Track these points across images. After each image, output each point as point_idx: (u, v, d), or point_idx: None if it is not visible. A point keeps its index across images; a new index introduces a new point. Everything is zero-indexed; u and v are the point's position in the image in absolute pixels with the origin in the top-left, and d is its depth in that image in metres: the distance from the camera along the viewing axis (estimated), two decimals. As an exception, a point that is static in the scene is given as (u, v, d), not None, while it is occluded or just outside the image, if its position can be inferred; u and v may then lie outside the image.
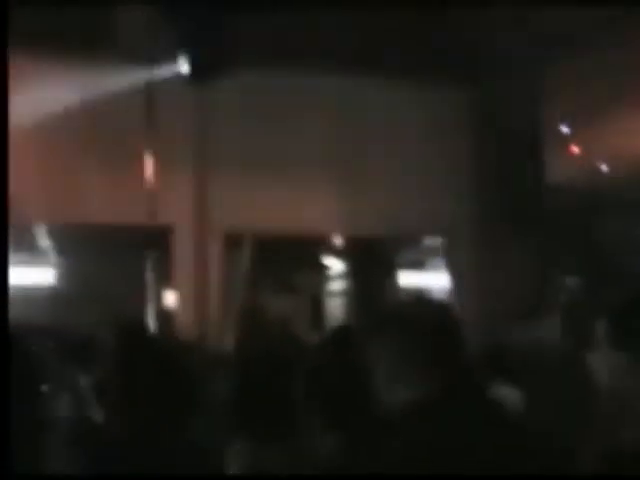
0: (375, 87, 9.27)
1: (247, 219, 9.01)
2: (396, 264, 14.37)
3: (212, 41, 7.44)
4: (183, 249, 8.99)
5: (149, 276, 8.55)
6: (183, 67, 7.42)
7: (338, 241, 13.29)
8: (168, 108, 8.31)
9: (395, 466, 2.32)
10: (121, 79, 8.53)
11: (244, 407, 4.38)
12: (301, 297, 14.86)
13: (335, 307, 14.63)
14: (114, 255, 12.29)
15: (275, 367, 4.86)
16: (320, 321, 14.72)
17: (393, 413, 2.49)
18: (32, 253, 13.69)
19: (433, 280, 13.31)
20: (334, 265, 14.42)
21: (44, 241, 12.99)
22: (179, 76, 7.48)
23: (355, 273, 13.42)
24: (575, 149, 10.85)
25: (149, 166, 8.50)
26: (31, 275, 14.77)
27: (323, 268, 14.70)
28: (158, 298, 9.04)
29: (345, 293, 13.98)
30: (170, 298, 9.66)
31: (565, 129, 10.54)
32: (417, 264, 14.91)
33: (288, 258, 13.26)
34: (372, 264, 13.09)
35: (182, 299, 9.12)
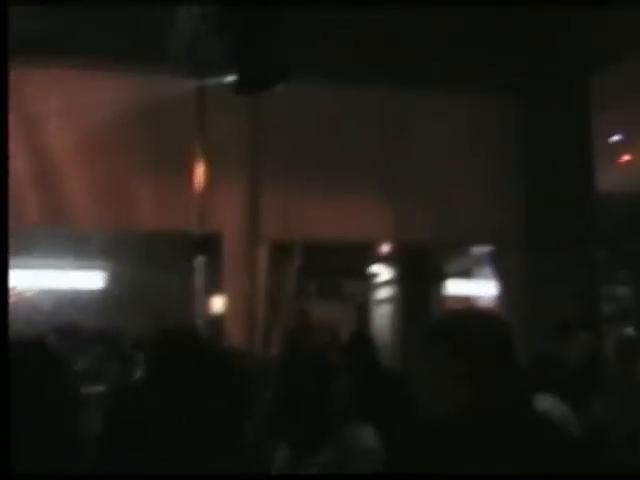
0: (423, 96, 9.25)
1: (296, 226, 9.03)
2: (444, 272, 14.33)
3: (263, 51, 7.46)
4: (232, 255, 9.03)
5: (198, 282, 8.59)
6: (234, 76, 7.44)
7: (386, 249, 13.29)
8: (219, 115, 8.35)
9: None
10: (172, 86, 8.60)
11: (290, 413, 4.39)
12: (348, 305, 14.88)
13: (382, 315, 14.61)
14: (163, 261, 12.42)
15: (321, 373, 4.87)
16: (366, 329, 14.71)
17: (439, 423, 2.47)
18: (83, 258, 13.88)
19: (481, 288, 13.26)
20: (381, 273, 14.41)
21: (94, 246, 13.14)
22: (230, 84, 7.50)
23: (402, 281, 13.39)
24: (626, 156, 10.73)
25: (199, 173, 8.55)
26: (81, 279, 14.99)
27: (370, 276, 14.70)
28: (206, 304, 9.09)
29: (392, 301, 13.95)
30: (218, 304, 9.72)
31: (615, 137, 10.43)
32: (465, 272, 14.85)
33: (336, 265, 13.29)
34: (420, 272, 13.04)
35: (230, 305, 9.16)
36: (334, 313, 13.69)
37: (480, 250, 12.66)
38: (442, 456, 2.35)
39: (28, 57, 8.30)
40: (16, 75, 8.41)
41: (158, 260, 12.60)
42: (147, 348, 3.37)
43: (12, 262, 10.26)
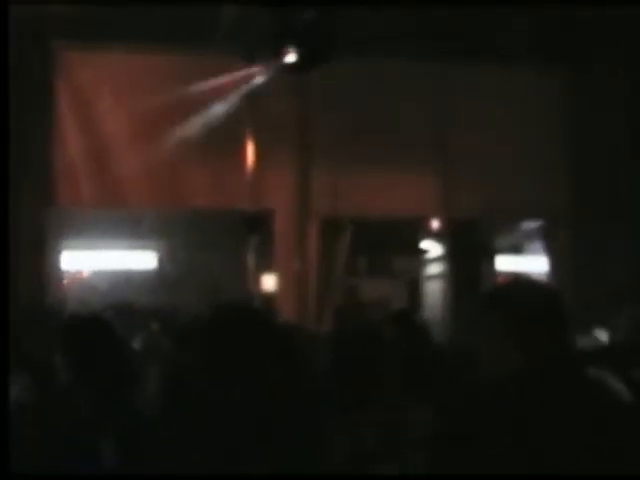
0: (473, 72, 9.22)
1: (346, 203, 9.08)
2: (494, 248, 14.27)
3: (313, 28, 7.51)
4: (283, 233, 9.12)
5: (250, 259, 8.72)
6: (285, 54, 7.51)
7: (436, 225, 13.27)
8: (269, 94, 8.43)
9: (486, 441, 2.35)
10: (223, 66, 8.69)
11: (341, 386, 4.47)
12: (398, 281, 14.90)
13: (432, 291, 14.60)
14: (216, 239, 12.54)
15: (372, 348, 4.93)
16: (417, 305, 14.73)
17: (488, 391, 2.52)
18: (137, 238, 14.06)
19: (531, 264, 13.20)
20: (432, 249, 14.40)
21: (148, 226, 13.31)
22: (280, 62, 7.57)
23: (452, 257, 13.36)
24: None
25: (250, 152, 8.65)
26: (136, 259, 15.19)
27: (421, 252, 14.68)
28: (258, 281, 9.21)
29: (442, 277, 13.94)
30: (270, 281, 9.83)
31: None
32: (515, 248, 14.79)
33: (386, 242, 13.30)
34: (470, 248, 13.01)
35: (281, 282, 9.26)
36: (384, 289, 13.72)
37: (530, 225, 12.59)
38: (493, 423, 2.39)
39: (79, 40, 8.46)
40: (68, 58, 8.63)
41: (211, 239, 12.72)
42: (203, 323, 3.44)
43: (67, 243, 10.53)
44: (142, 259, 15.19)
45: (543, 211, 10.04)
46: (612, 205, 9.18)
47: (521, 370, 2.44)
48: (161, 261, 14.96)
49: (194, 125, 8.77)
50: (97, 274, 14.79)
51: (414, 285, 15.11)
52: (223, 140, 8.72)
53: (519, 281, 2.74)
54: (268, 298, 9.57)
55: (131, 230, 13.38)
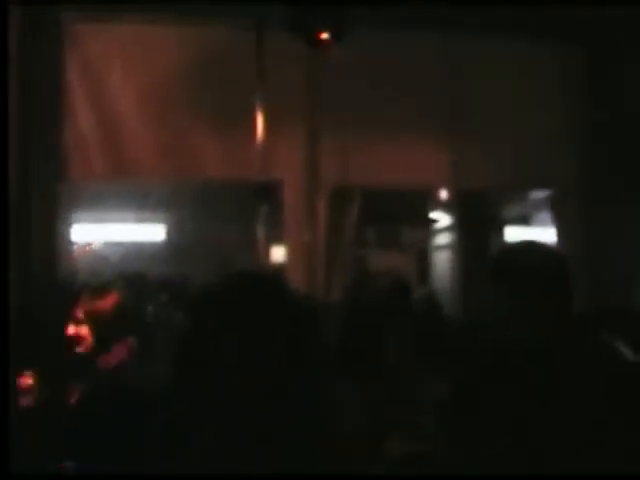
0: (485, 43, 9.20)
1: (355, 174, 9.11)
2: (503, 218, 14.29)
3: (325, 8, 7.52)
4: (292, 203, 9.15)
5: (259, 230, 8.75)
6: (293, 24, 7.51)
7: (444, 195, 13.28)
8: (278, 65, 8.44)
9: (496, 409, 2.40)
10: (232, 37, 8.70)
11: (350, 355, 4.51)
12: (407, 251, 14.93)
13: (441, 261, 14.64)
14: (225, 210, 12.58)
15: (381, 317, 4.97)
16: (426, 275, 14.78)
17: (501, 358, 2.55)
18: (147, 209, 14.12)
19: (539, 234, 13.21)
20: (441, 219, 14.42)
21: (158, 197, 13.35)
22: (290, 31, 7.57)
23: (461, 227, 13.39)
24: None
25: (260, 122, 8.67)
26: (146, 230, 15.26)
27: (430, 222, 14.71)
28: (267, 252, 9.25)
29: (451, 247, 13.97)
30: (279, 252, 9.87)
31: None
32: (524, 218, 14.79)
33: (395, 213, 13.33)
34: (478, 218, 13.04)
35: (290, 253, 9.30)
36: (393, 260, 13.75)
37: (539, 196, 12.59)
38: (502, 389, 2.42)
39: (88, 12, 8.47)
40: (78, 30, 8.64)
41: (220, 210, 12.76)
42: (215, 291, 3.47)
43: (78, 216, 10.59)
44: (152, 230, 15.26)
45: (552, 181, 10.04)
46: (622, 174, 9.18)
47: (529, 336, 2.46)
48: (171, 232, 15.02)
49: (203, 97, 8.79)
50: (108, 246, 14.85)
51: (423, 256, 15.15)
52: (233, 111, 8.74)
53: (526, 246, 2.73)
54: (277, 268, 9.61)
55: (141, 202, 13.43)
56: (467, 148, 9.41)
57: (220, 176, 9.21)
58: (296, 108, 8.84)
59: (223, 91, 8.68)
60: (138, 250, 14.65)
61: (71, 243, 9.89)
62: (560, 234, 10.19)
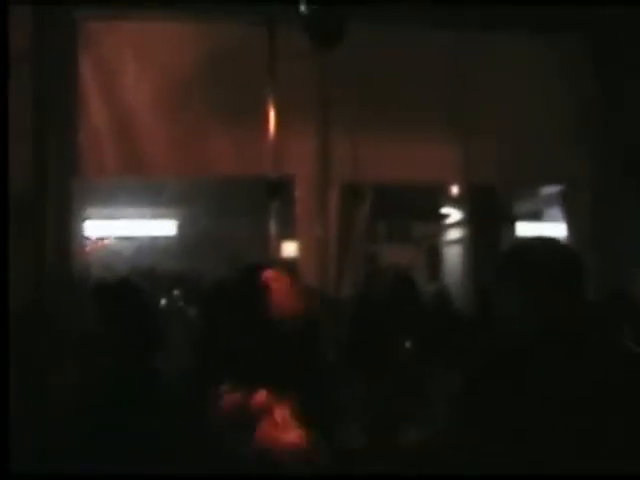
0: (492, 38, 9.23)
1: (366, 169, 9.14)
2: (514, 213, 14.30)
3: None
4: (304, 199, 9.20)
5: (271, 225, 8.80)
6: (305, 23, 7.54)
7: (455, 190, 13.31)
8: (290, 61, 8.48)
9: (509, 397, 2.43)
10: (244, 34, 8.75)
11: (359, 350, 4.56)
12: (419, 246, 14.97)
13: (452, 257, 14.67)
14: (238, 206, 12.64)
15: (392, 314, 5.02)
16: (436, 271, 14.81)
17: (509, 352, 2.58)
18: (160, 205, 14.19)
19: (550, 230, 13.23)
20: (452, 214, 14.44)
21: (171, 193, 13.42)
22: (301, 28, 7.60)
23: (472, 222, 13.42)
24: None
25: (272, 119, 8.72)
26: (159, 226, 15.34)
27: (440, 218, 14.74)
28: (279, 246, 9.30)
29: (462, 242, 14.00)
30: (291, 247, 9.92)
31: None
32: (535, 214, 14.81)
33: (406, 208, 13.36)
34: (489, 213, 13.06)
35: (302, 248, 9.35)
36: (404, 255, 13.80)
37: (550, 191, 12.61)
38: (511, 383, 2.45)
39: (103, 9, 8.53)
40: (91, 28, 8.71)
41: (232, 205, 12.81)
42: (227, 285, 3.51)
43: (92, 211, 10.64)
44: (165, 226, 15.35)
45: (563, 177, 10.06)
46: (632, 171, 9.19)
47: (539, 330, 2.49)
48: (183, 228, 15.09)
49: (216, 93, 8.85)
50: (121, 241, 14.94)
51: (434, 251, 15.18)
52: (245, 108, 8.80)
53: (538, 241, 2.74)
54: (289, 262, 9.66)
55: (154, 198, 13.50)
56: (478, 144, 9.44)
57: (232, 172, 9.27)
58: (307, 104, 8.88)
59: (235, 87, 8.74)
60: (151, 246, 14.73)
61: (85, 238, 9.97)
62: (571, 229, 10.21)
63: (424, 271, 14.25)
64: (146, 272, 9.97)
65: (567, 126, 9.57)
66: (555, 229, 12.35)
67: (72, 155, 8.58)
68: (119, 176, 9.57)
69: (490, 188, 11.85)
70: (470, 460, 2.44)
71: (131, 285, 3.82)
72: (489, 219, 13.15)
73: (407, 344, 5.21)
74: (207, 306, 6.54)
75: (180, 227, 15.25)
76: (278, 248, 9.33)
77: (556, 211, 12.06)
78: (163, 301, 9.08)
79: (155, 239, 15.10)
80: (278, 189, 8.73)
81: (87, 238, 10.72)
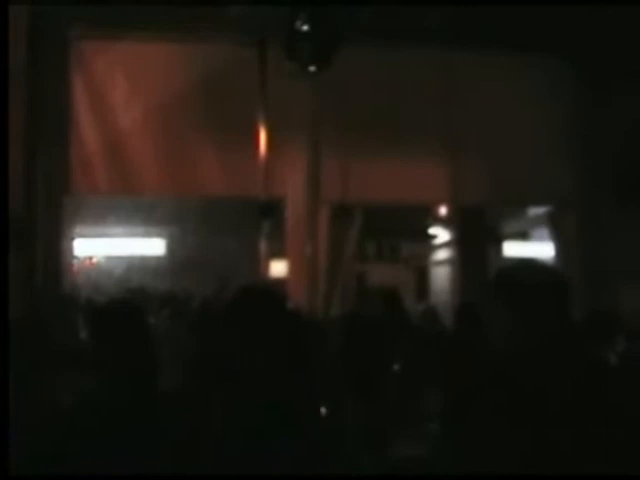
0: (481, 59, 9.33)
1: (356, 190, 9.21)
2: (501, 234, 14.36)
3: (319, 19, 7.63)
4: (294, 219, 9.25)
5: (262, 245, 8.84)
6: (294, 46, 7.62)
7: (443, 211, 13.37)
8: (280, 83, 8.54)
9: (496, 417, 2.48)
10: (234, 55, 8.82)
11: (352, 370, 4.59)
12: (407, 267, 15.00)
13: (440, 276, 14.70)
14: (229, 226, 12.65)
15: (382, 333, 5.05)
16: (425, 290, 14.84)
17: (497, 369, 2.63)
18: (150, 224, 14.17)
19: (537, 250, 13.28)
20: (440, 235, 14.49)
21: (162, 213, 13.42)
22: (292, 50, 7.69)
23: (460, 243, 13.46)
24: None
25: (262, 140, 8.78)
26: (150, 245, 15.32)
27: (429, 238, 14.78)
28: (269, 266, 9.33)
29: (450, 263, 14.04)
30: (281, 266, 9.94)
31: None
32: (522, 234, 14.87)
33: (395, 228, 13.40)
34: (477, 234, 13.10)
35: (292, 268, 9.39)
36: (393, 275, 13.83)
37: (537, 212, 12.68)
38: (499, 400, 2.51)
39: (94, 31, 8.60)
40: (83, 47, 8.77)
41: (223, 225, 12.82)
42: (219, 306, 3.54)
43: (82, 230, 10.65)
44: (156, 245, 15.32)
45: (551, 197, 10.14)
46: (619, 190, 9.27)
47: (526, 349, 2.54)
48: (174, 247, 15.07)
49: (207, 114, 8.91)
50: (111, 260, 14.92)
51: (422, 271, 15.21)
52: (236, 129, 8.86)
53: (525, 264, 2.80)
54: (279, 283, 9.69)
55: (145, 217, 13.49)
56: (466, 165, 9.52)
57: (223, 192, 9.32)
58: (297, 125, 8.95)
59: (226, 108, 8.80)
60: (141, 264, 14.70)
61: (75, 257, 9.98)
62: (558, 249, 10.28)
63: (413, 291, 14.27)
64: (137, 291, 9.95)
65: (554, 147, 9.66)
66: (542, 249, 12.41)
67: (63, 173, 8.62)
68: (110, 195, 9.61)
69: (478, 209, 11.91)
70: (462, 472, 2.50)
71: (124, 304, 3.83)
72: (477, 239, 13.19)
73: (396, 363, 5.25)
74: (197, 325, 6.56)
75: (171, 246, 15.23)
76: (269, 267, 9.36)
77: (543, 231, 12.13)
78: (152, 320, 9.07)
79: (146, 258, 15.08)
80: (269, 210, 8.78)
81: (77, 256, 10.72)
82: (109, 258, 14.89)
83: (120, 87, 8.94)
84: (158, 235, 15.08)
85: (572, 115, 9.75)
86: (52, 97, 8.42)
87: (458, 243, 13.53)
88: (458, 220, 13.12)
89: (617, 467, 2.40)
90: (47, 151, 8.40)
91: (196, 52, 8.94)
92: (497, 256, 13.64)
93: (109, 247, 14.90)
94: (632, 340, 5.70)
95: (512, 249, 14.40)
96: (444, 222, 13.95)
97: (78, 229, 9.66)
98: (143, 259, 14.93)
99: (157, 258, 15.07)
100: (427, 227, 14.51)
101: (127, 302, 3.93)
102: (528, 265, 2.78)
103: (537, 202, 11.19)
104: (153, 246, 15.29)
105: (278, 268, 10.06)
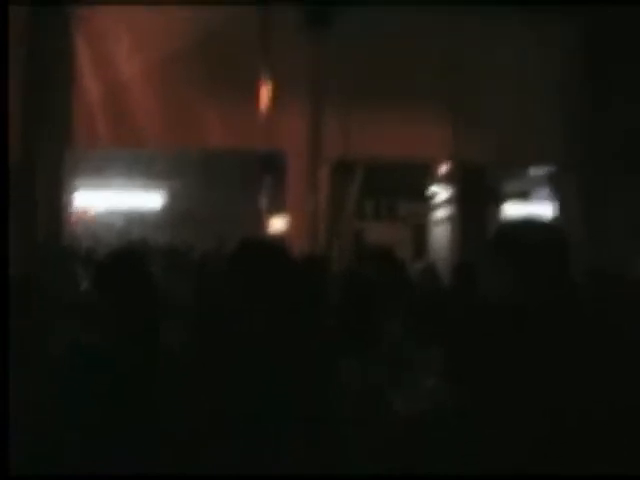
0: (485, 20, 9.26)
1: (357, 147, 9.19)
2: (502, 193, 14.36)
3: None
4: (295, 175, 9.25)
5: (262, 199, 8.86)
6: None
7: (444, 169, 13.35)
8: (283, 38, 8.50)
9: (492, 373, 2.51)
10: (238, 12, 8.76)
11: (350, 326, 4.62)
12: (406, 224, 15.02)
13: (439, 235, 14.72)
14: (229, 178, 12.65)
15: (380, 291, 5.07)
16: (423, 249, 14.87)
17: (493, 327, 2.65)
18: (150, 177, 14.18)
19: (538, 210, 13.30)
20: (440, 193, 14.48)
21: (162, 166, 13.42)
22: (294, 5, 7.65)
23: (460, 201, 13.46)
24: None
25: (264, 95, 8.75)
26: (150, 198, 15.34)
27: (428, 196, 14.78)
28: (270, 220, 9.35)
29: (449, 222, 14.05)
30: (280, 221, 9.97)
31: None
32: (523, 194, 14.87)
33: (395, 186, 13.40)
34: (478, 193, 13.10)
35: (292, 223, 9.41)
36: (392, 233, 13.85)
37: (538, 172, 12.67)
38: (497, 358, 2.53)
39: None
40: (87, 5, 8.71)
41: (224, 178, 12.82)
42: (225, 257, 3.53)
43: (84, 182, 10.64)
44: (156, 198, 15.34)
45: (552, 158, 10.13)
46: (621, 152, 9.25)
47: (526, 307, 2.56)
48: (174, 200, 15.08)
49: (209, 69, 8.87)
50: (112, 212, 14.94)
51: (421, 229, 15.22)
52: (238, 84, 8.83)
53: (525, 222, 2.81)
54: (279, 237, 9.73)
55: (146, 170, 13.50)
56: (468, 123, 9.49)
57: (224, 145, 9.31)
58: (300, 81, 8.92)
59: (228, 62, 8.77)
60: (142, 217, 14.73)
61: (75, 209, 10.00)
62: (559, 209, 10.29)
63: (411, 249, 14.30)
64: (137, 244, 9.98)
65: (556, 109, 9.63)
66: (542, 209, 12.42)
67: (65, 126, 8.61)
68: (111, 147, 9.61)
69: (478, 167, 11.90)
70: (458, 431, 2.53)
71: (128, 256, 3.81)
72: (477, 198, 13.19)
73: (394, 320, 5.28)
74: (198, 278, 6.59)
75: (171, 199, 15.25)
76: (269, 222, 9.39)
77: (544, 192, 12.14)
78: (154, 271, 9.08)
79: (146, 211, 15.10)
80: (270, 163, 8.78)
81: (78, 209, 10.73)
82: (111, 210, 14.91)
83: (122, 42, 8.90)
84: (159, 188, 15.09)
85: (578, 76, 9.69)
86: (53, 50, 8.39)
87: (458, 201, 13.52)
88: (459, 179, 13.11)
89: (617, 425, 2.43)
90: (48, 104, 8.38)
91: (199, 7, 8.88)
92: (496, 215, 13.65)
93: (110, 200, 14.92)
94: (632, 298, 5.72)
95: (512, 209, 14.41)
96: (444, 180, 13.93)
97: (79, 182, 9.66)
98: (144, 212, 14.96)
99: (158, 211, 15.09)
100: (427, 185, 14.50)
101: (129, 253, 3.92)
102: (528, 223, 2.78)
103: (538, 162, 11.17)
104: (153, 199, 15.31)
105: (278, 221, 10.08)
